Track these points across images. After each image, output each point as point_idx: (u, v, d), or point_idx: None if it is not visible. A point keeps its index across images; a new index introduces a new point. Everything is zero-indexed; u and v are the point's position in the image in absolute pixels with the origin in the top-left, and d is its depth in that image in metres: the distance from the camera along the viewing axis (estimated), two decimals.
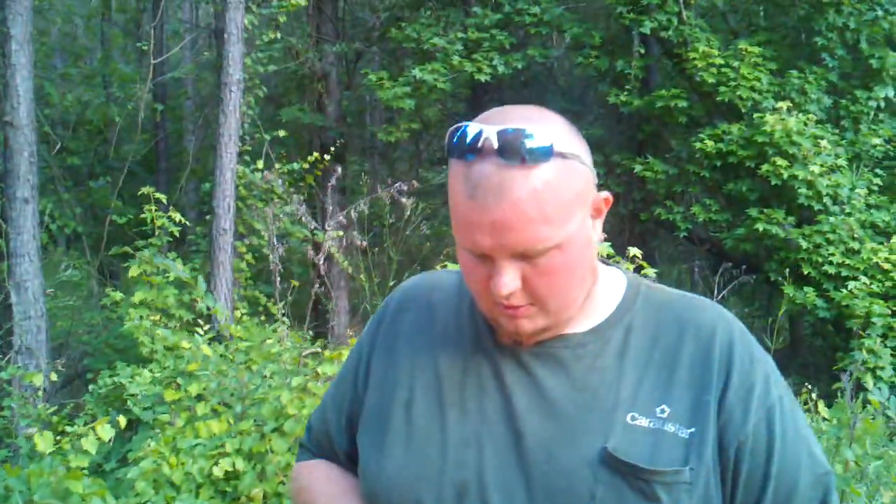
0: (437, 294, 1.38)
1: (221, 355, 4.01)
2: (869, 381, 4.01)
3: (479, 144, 1.09)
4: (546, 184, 1.09)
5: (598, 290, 1.28)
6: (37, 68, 8.18)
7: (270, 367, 3.76)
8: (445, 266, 4.16)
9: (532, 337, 1.22)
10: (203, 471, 3.21)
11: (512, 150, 1.08)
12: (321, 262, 4.53)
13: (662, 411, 1.17)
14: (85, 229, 8.86)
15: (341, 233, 7.07)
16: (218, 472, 3.18)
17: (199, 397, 3.82)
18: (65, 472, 2.98)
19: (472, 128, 1.12)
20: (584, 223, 1.17)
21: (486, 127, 1.10)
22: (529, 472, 1.16)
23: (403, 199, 4.73)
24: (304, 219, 5.54)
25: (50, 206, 8.26)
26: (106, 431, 2.96)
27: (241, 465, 3.24)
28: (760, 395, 1.19)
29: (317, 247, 4.91)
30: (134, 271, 4.66)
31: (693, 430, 1.16)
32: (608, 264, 1.36)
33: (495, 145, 1.08)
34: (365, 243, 4.99)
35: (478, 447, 1.20)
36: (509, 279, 1.12)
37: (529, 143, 1.08)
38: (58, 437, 3.28)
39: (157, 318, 4.68)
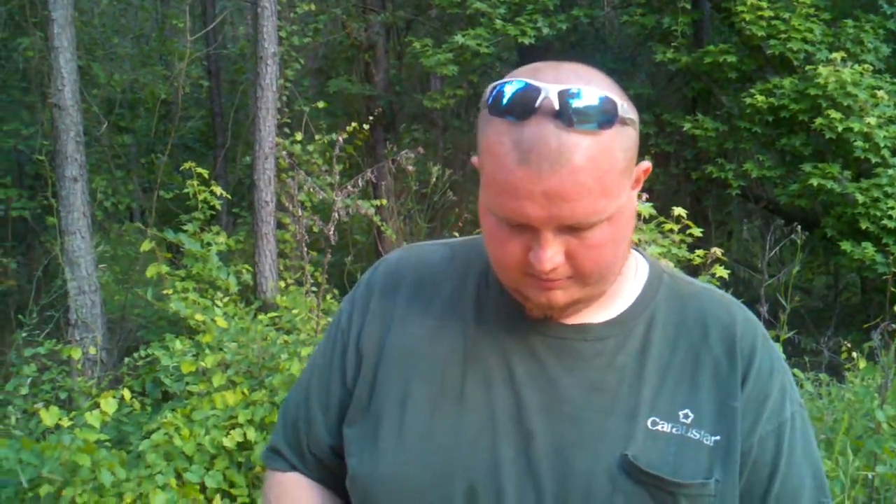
0: (427, 272, 1.24)
1: (243, 328, 4.07)
2: None
3: (537, 104, 0.97)
4: (605, 151, 0.98)
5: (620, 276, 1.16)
6: (83, 50, 8.37)
7: (286, 337, 3.81)
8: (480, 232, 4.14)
9: (564, 310, 1.10)
10: (214, 441, 3.27)
11: (576, 114, 0.96)
12: (331, 231, 4.53)
13: (686, 416, 1.09)
14: (140, 205, 9.07)
15: (383, 201, 7.10)
16: (228, 442, 3.24)
17: (228, 367, 3.90)
18: (81, 445, 3.07)
19: (530, 85, 0.98)
20: (631, 194, 1.07)
21: (546, 86, 0.98)
22: (540, 478, 1.07)
23: (409, 167, 4.70)
24: (311, 189, 5.54)
25: (104, 184, 8.47)
26: (110, 405, 3.03)
27: (252, 435, 3.29)
28: (774, 407, 1.12)
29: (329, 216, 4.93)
30: (146, 246, 4.75)
31: (718, 437, 1.08)
32: None
33: (556, 106, 0.96)
34: (371, 211, 4.96)
35: (486, 447, 1.09)
36: (553, 253, 1.01)
37: (595, 107, 0.97)
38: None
39: (190, 289, 4.75)
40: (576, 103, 0.96)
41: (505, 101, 0.99)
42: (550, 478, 1.06)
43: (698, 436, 1.08)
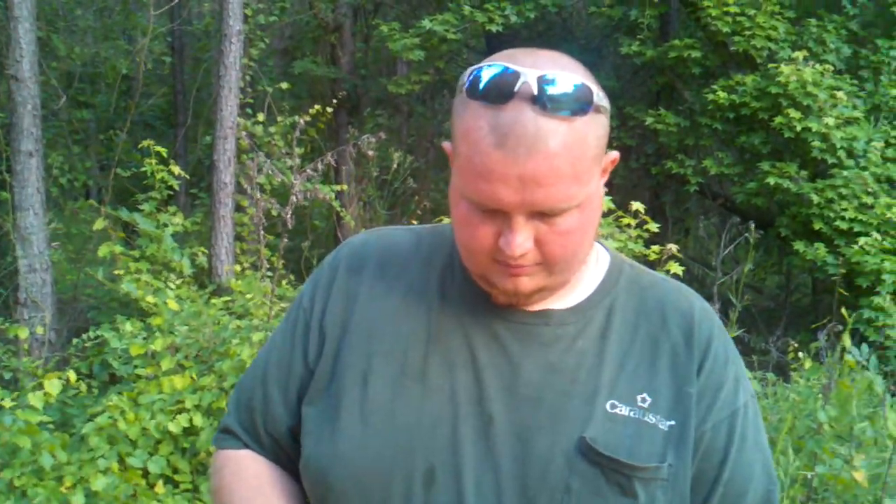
0: (392, 255, 1.24)
1: (195, 311, 4.03)
2: (847, 341, 3.93)
3: (516, 89, 0.98)
4: (580, 138, 0.99)
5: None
6: (44, 21, 8.22)
7: (238, 322, 3.78)
8: (441, 220, 4.13)
9: (530, 297, 1.11)
10: (160, 426, 3.24)
11: (553, 100, 0.97)
12: (288, 215, 4.50)
13: (643, 400, 1.11)
14: (97, 182, 8.94)
15: (343, 187, 7.06)
16: (174, 427, 3.21)
17: (178, 351, 3.86)
18: (23, 426, 3.02)
19: (508, 70, 1.00)
20: (599, 182, 1.09)
21: (525, 70, 0.99)
22: (499, 460, 1.08)
23: (370, 153, 4.69)
24: (270, 171, 5.50)
25: (60, 160, 8.33)
26: (54, 386, 2.99)
27: (199, 420, 3.26)
28: (727, 396, 1.14)
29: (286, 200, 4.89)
30: (99, 224, 4.70)
31: (673, 422, 1.10)
32: None
33: (534, 91, 0.98)
34: (331, 196, 4.95)
35: (447, 429, 1.09)
36: (523, 238, 1.03)
37: (571, 94, 0.99)
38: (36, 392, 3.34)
39: (144, 270, 4.70)
40: (553, 89, 0.98)
41: (483, 84, 1.00)
42: (509, 459, 1.07)
43: (654, 420, 1.10)
